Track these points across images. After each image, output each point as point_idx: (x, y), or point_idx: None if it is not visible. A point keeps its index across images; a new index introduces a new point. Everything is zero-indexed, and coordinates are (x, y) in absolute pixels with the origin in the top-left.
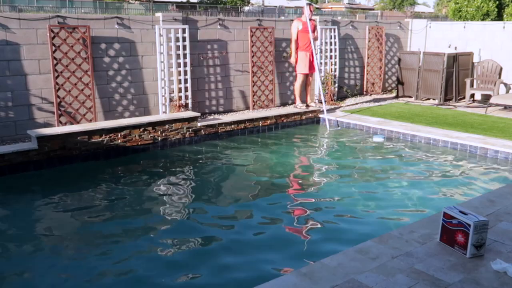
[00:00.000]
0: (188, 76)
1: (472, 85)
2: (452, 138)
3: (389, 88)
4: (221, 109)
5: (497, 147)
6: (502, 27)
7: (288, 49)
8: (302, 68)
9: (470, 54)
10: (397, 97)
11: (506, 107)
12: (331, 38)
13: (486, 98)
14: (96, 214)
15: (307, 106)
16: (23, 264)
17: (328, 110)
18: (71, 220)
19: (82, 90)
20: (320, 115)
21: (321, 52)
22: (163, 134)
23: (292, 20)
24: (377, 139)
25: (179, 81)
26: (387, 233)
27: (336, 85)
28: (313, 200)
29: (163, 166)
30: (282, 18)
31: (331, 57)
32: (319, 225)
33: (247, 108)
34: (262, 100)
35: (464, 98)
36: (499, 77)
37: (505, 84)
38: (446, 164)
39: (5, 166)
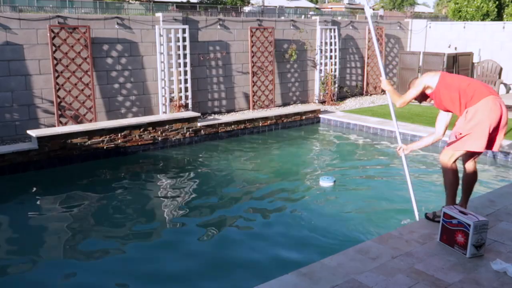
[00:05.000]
0: (188, 76)
1: None
2: None
3: None
4: (221, 109)
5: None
6: (502, 27)
7: (289, 50)
8: (474, 138)
9: (470, 54)
10: None
11: (505, 107)
12: (331, 38)
13: None
14: (96, 213)
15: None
16: (22, 263)
17: (329, 110)
18: (71, 220)
19: (82, 90)
20: (320, 115)
21: (321, 52)
22: (163, 134)
23: (293, 21)
24: (325, 183)
25: (179, 81)
26: (387, 233)
27: (337, 85)
28: (312, 200)
29: (162, 166)
30: (282, 18)
31: (331, 57)
32: (318, 226)
33: (248, 108)
34: (262, 100)
35: None
36: (499, 77)
37: (505, 84)
38: None
39: (5, 166)
